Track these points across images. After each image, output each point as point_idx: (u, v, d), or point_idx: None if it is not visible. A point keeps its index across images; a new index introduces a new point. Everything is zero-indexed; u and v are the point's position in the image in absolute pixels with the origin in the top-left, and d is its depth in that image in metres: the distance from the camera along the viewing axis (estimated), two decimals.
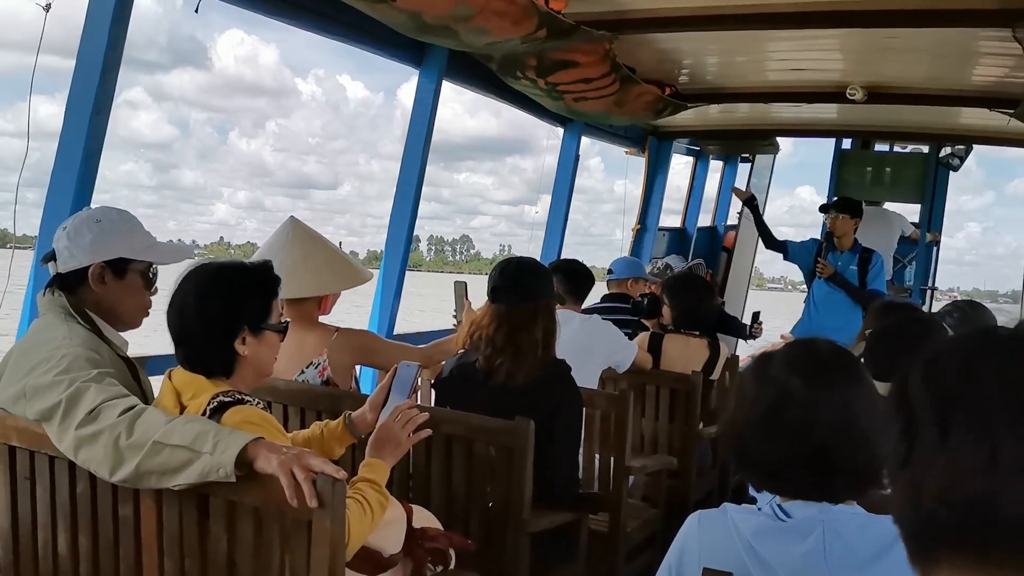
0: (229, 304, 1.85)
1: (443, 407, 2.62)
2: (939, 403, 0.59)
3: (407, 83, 3.96)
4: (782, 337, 5.11)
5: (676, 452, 3.77)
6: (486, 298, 2.63)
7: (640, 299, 4.53)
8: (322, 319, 2.78)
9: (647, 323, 4.39)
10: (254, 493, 1.63)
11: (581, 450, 3.04)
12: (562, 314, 3.59)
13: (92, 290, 1.98)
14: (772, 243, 5.61)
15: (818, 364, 1.33)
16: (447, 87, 4.40)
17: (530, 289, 2.57)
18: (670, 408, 3.84)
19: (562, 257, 5.29)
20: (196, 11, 2.82)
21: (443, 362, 2.84)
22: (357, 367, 2.85)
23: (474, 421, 2.43)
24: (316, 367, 2.68)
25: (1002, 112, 4.46)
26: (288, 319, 2.02)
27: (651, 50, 4.28)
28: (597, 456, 3.15)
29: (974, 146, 7.36)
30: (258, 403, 1.86)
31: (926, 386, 0.61)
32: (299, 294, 2.62)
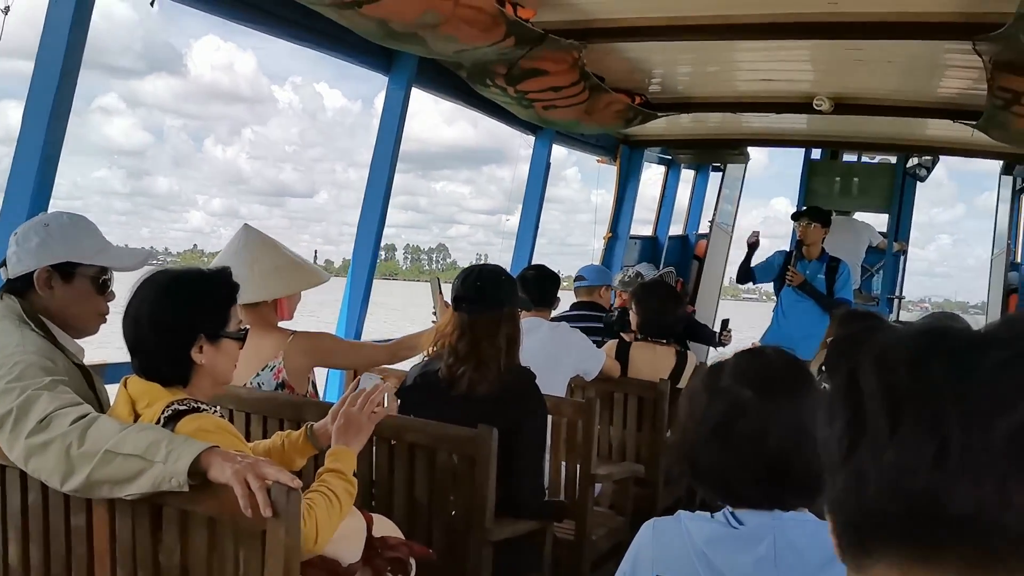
0: (185, 312, 1.83)
1: (407, 416, 2.61)
2: (891, 394, 0.58)
3: (384, 91, 3.94)
4: (753, 345, 5.15)
5: (644, 460, 3.78)
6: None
7: (613, 313, 4.55)
8: (283, 324, 2.77)
9: (625, 337, 4.38)
10: (208, 502, 1.62)
11: (548, 458, 3.04)
12: (530, 321, 3.60)
13: (40, 296, 1.94)
14: (743, 278, 5.69)
15: (768, 375, 1.33)
16: (425, 97, 4.41)
17: (492, 297, 2.56)
18: (638, 416, 3.84)
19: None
20: (152, 4, 2.78)
21: (408, 365, 2.83)
22: (315, 371, 2.83)
23: (437, 430, 2.42)
24: (271, 370, 2.66)
25: (965, 124, 4.53)
26: (247, 325, 2.01)
27: (620, 59, 4.31)
28: (564, 464, 3.15)
29: (941, 157, 7.48)
30: (215, 411, 1.84)
31: (878, 377, 0.60)
32: (243, 300, 2.60)
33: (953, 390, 0.56)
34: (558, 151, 5.74)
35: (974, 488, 0.54)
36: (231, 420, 2.57)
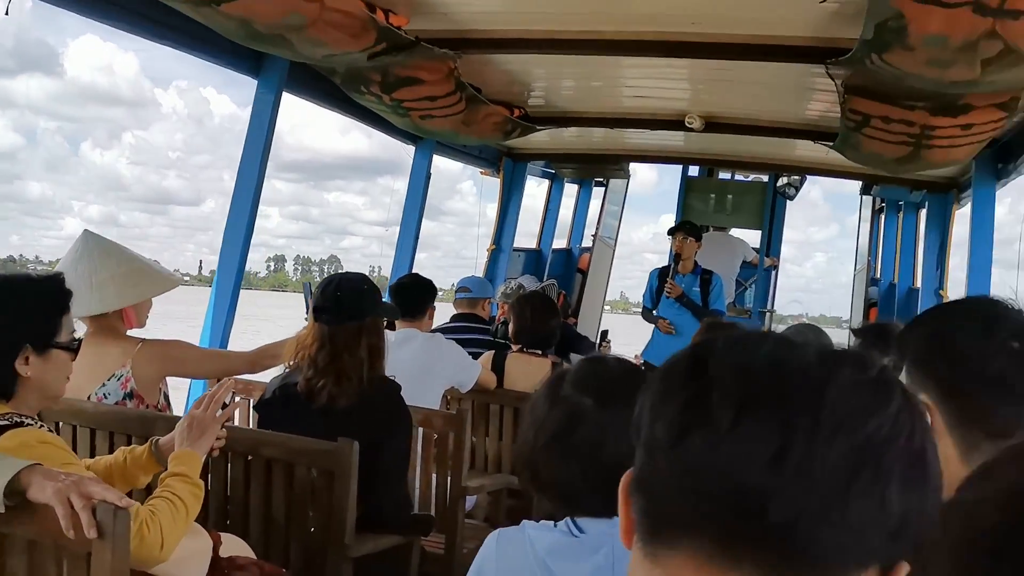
0: (7, 320, 1.71)
1: (264, 430, 2.52)
2: (743, 385, 0.57)
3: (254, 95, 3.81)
4: (635, 358, 5.27)
5: (518, 471, 3.76)
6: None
7: (501, 326, 4.54)
8: (134, 332, 2.63)
9: (514, 347, 4.35)
10: (27, 524, 1.53)
11: (418, 471, 3.00)
12: (404, 332, 3.55)
13: None
14: (648, 316, 5.85)
15: (607, 382, 1.34)
16: (312, 106, 4.31)
17: (353, 307, 2.48)
18: (513, 427, 3.84)
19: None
20: (6, 13, 2.63)
21: (271, 375, 2.73)
22: (168, 383, 2.70)
23: (295, 443, 2.35)
24: (118, 379, 2.52)
25: (823, 144, 4.76)
26: (83, 335, 1.89)
27: (497, 71, 4.32)
28: (434, 476, 3.11)
29: (815, 178, 7.86)
30: (42, 425, 1.73)
31: (732, 366, 0.58)
32: (78, 314, 2.45)
33: (804, 399, 0.56)
34: (455, 165, 5.71)
35: (800, 498, 0.54)
36: (74, 436, 2.43)
